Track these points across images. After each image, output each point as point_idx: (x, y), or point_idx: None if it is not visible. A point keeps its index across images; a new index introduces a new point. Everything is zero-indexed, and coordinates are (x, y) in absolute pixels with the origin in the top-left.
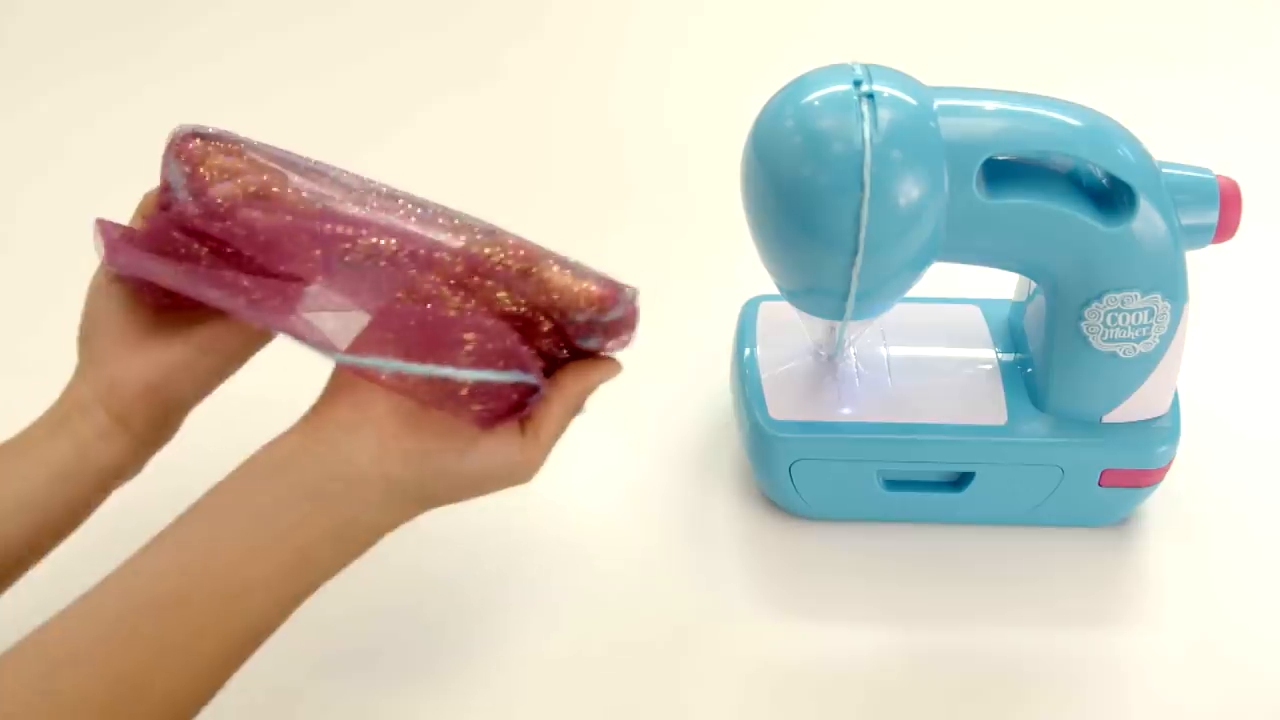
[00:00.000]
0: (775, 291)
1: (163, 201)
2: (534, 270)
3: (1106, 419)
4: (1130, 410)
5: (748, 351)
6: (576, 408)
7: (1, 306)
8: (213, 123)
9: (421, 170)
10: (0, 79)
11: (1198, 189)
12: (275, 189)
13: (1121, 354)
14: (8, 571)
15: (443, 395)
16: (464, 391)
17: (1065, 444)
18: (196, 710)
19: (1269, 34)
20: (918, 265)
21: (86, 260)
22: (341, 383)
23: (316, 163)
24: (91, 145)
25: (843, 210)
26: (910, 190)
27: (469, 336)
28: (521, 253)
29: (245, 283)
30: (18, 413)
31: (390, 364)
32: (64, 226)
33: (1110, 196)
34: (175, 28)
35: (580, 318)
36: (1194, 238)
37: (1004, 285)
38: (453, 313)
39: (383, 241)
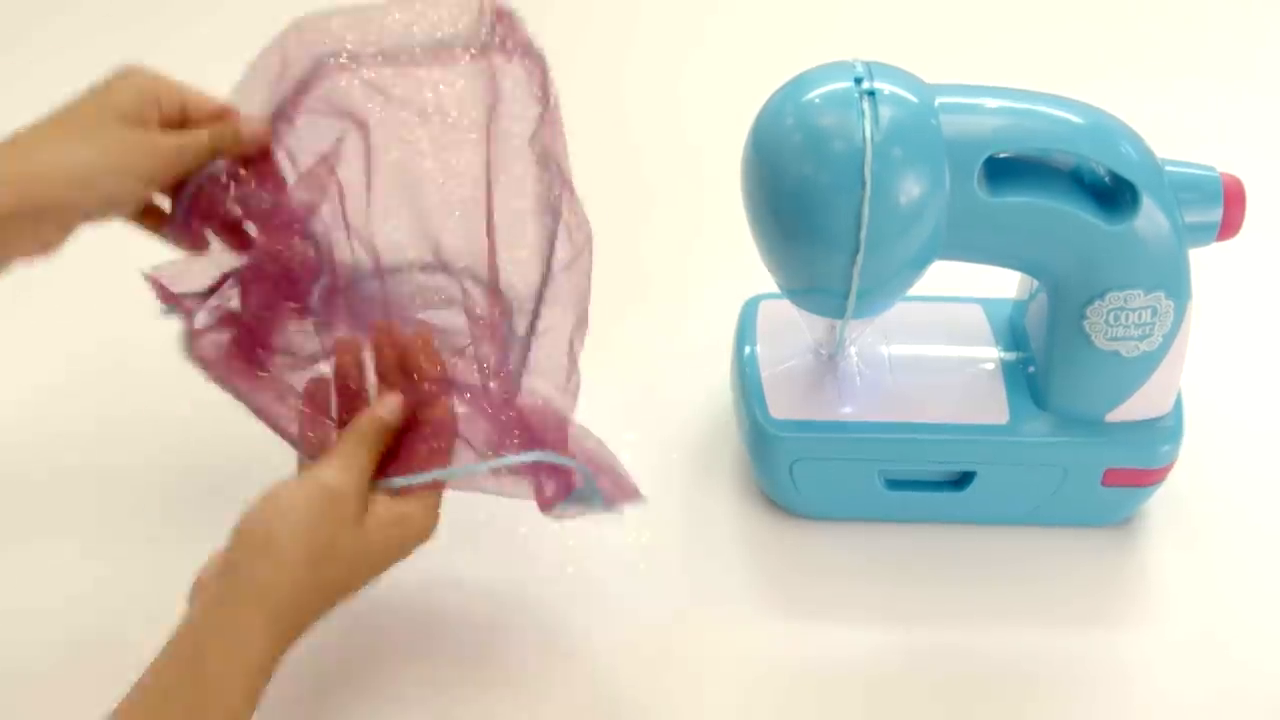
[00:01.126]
0: (775, 290)
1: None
2: None
3: (1109, 418)
4: (1133, 409)
5: (748, 350)
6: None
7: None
8: None
9: None
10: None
11: (1201, 186)
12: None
13: (1124, 353)
14: None
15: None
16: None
17: (1067, 443)
18: None
19: (1272, 32)
20: (919, 264)
21: (87, 257)
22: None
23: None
24: None
25: (843, 208)
26: (911, 188)
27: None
28: None
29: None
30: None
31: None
32: None
33: (1113, 194)
34: (174, 27)
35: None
36: (1197, 236)
37: (1006, 284)
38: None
39: None
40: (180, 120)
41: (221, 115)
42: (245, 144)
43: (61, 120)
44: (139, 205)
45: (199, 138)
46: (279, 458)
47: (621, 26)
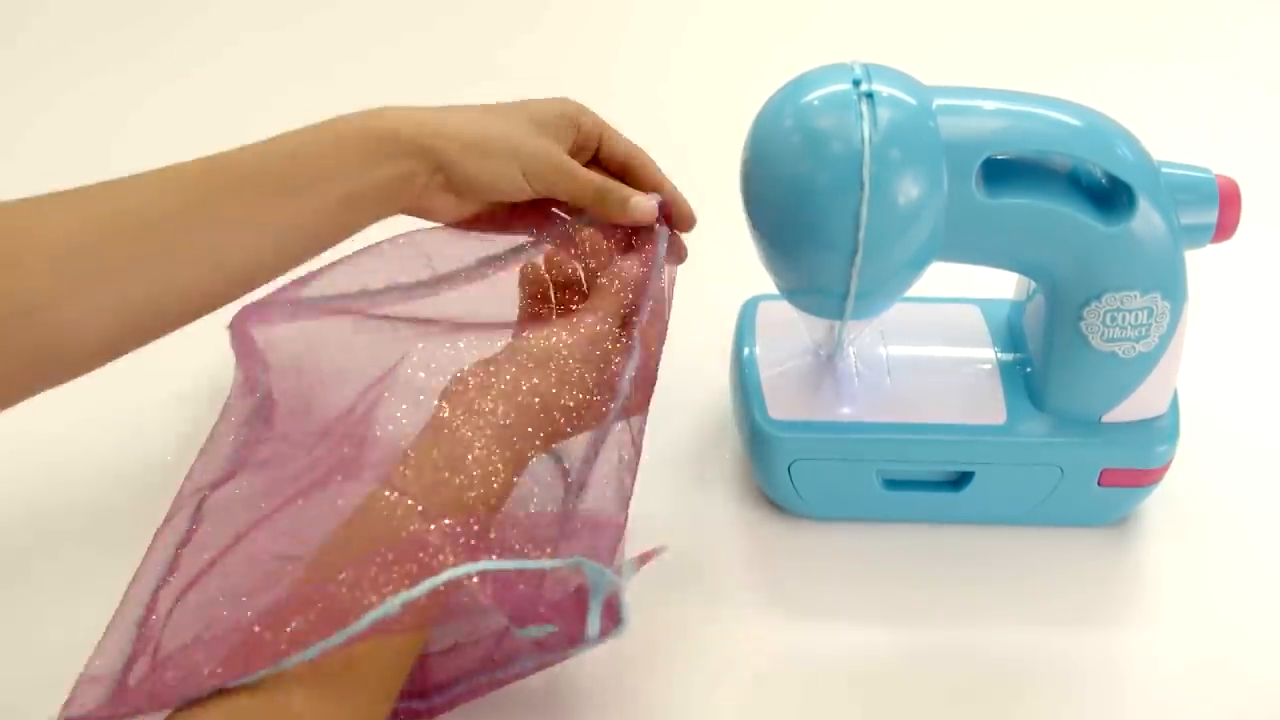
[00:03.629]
0: (774, 291)
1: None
2: None
3: (1106, 419)
4: (1129, 410)
5: (747, 351)
6: None
7: None
8: (213, 124)
9: None
10: (10, 80)
11: (1197, 188)
12: None
13: (1121, 353)
14: None
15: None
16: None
17: (1064, 443)
18: None
19: (1269, 32)
20: (917, 265)
21: None
22: None
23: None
24: (96, 146)
25: (842, 210)
26: (909, 189)
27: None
28: None
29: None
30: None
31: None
32: None
33: (1110, 196)
34: (172, 28)
35: None
36: (1193, 237)
37: (1003, 285)
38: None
39: None
40: (587, 157)
41: (624, 170)
42: (623, 216)
43: (485, 108)
44: (509, 199)
45: (588, 183)
46: None
47: (613, 27)
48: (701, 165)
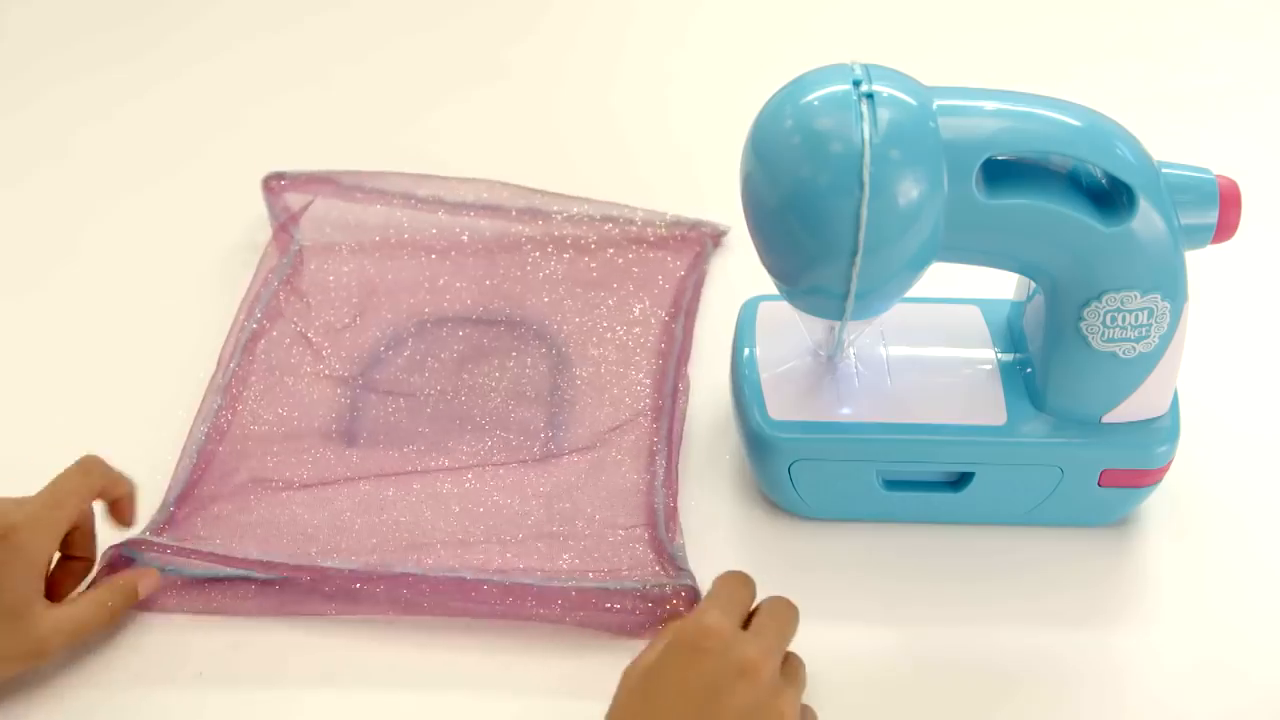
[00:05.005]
0: (774, 291)
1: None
2: None
3: (1106, 419)
4: (1130, 410)
5: (747, 351)
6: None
7: (7, 301)
8: (216, 121)
9: (422, 170)
10: (3, 75)
11: (1197, 189)
12: None
13: (1121, 354)
14: None
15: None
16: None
17: (1064, 444)
18: None
19: (1269, 32)
20: (917, 265)
21: (92, 256)
22: None
23: None
24: (96, 143)
25: (842, 210)
26: (909, 190)
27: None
28: None
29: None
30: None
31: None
32: (71, 224)
33: (1110, 196)
34: (174, 27)
35: None
36: (1194, 238)
37: (1003, 285)
38: None
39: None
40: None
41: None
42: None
43: None
44: None
45: (86, 610)
46: None
47: (615, 27)
48: (701, 165)
